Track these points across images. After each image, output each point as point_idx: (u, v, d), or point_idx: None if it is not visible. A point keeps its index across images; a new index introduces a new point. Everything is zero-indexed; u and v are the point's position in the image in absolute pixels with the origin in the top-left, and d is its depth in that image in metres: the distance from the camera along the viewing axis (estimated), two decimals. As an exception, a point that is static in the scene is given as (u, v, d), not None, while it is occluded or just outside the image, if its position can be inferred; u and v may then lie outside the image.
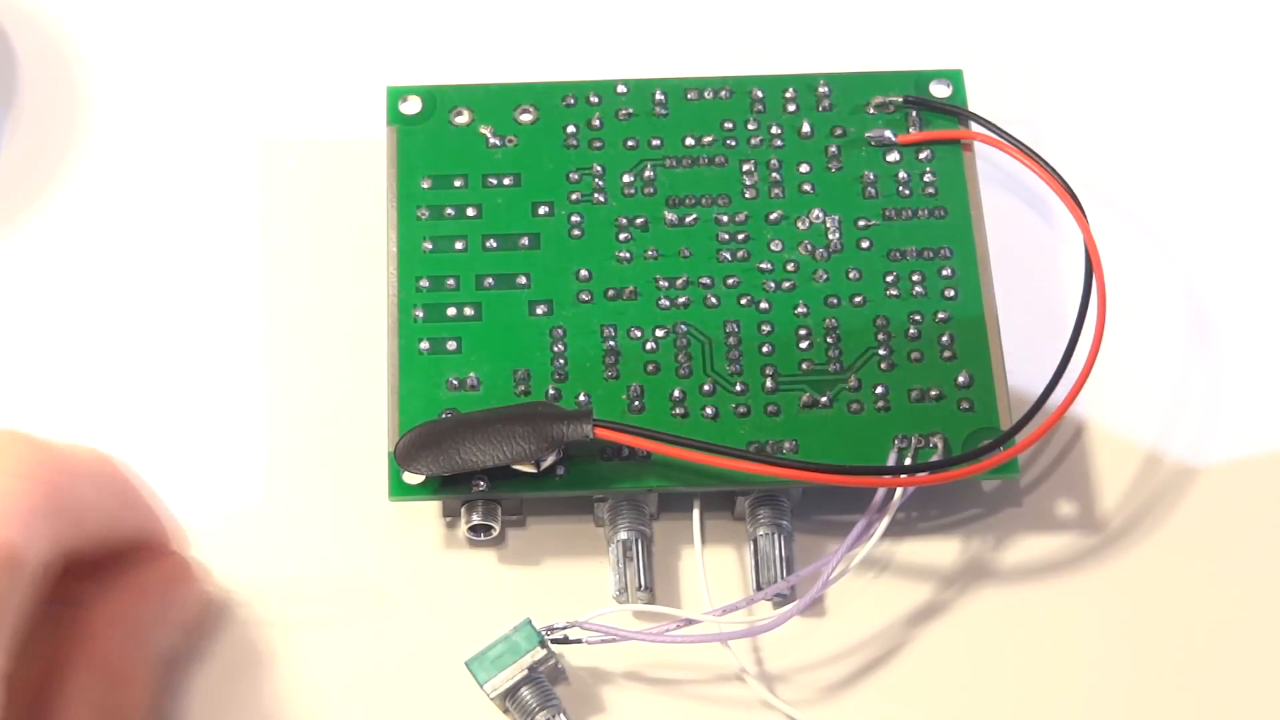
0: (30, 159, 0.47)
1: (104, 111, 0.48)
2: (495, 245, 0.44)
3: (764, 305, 0.44)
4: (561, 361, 0.43)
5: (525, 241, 0.44)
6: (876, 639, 0.42)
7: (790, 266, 0.44)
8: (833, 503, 0.43)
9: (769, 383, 0.43)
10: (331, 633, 0.42)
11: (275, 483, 0.44)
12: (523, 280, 0.44)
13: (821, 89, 0.46)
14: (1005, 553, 0.43)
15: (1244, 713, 0.42)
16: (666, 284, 0.44)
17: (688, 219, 0.45)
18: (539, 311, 0.44)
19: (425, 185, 0.45)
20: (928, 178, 0.45)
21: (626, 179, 0.45)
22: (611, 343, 0.43)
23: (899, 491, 0.41)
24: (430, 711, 0.41)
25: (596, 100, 0.46)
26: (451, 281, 0.44)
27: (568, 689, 0.41)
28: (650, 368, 0.43)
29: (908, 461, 0.42)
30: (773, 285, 0.44)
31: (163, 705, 0.41)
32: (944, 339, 0.44)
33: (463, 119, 0.46)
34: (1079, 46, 0.49)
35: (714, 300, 0.44)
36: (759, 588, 0.42)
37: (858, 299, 0.44)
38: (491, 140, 0.46)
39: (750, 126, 0.46)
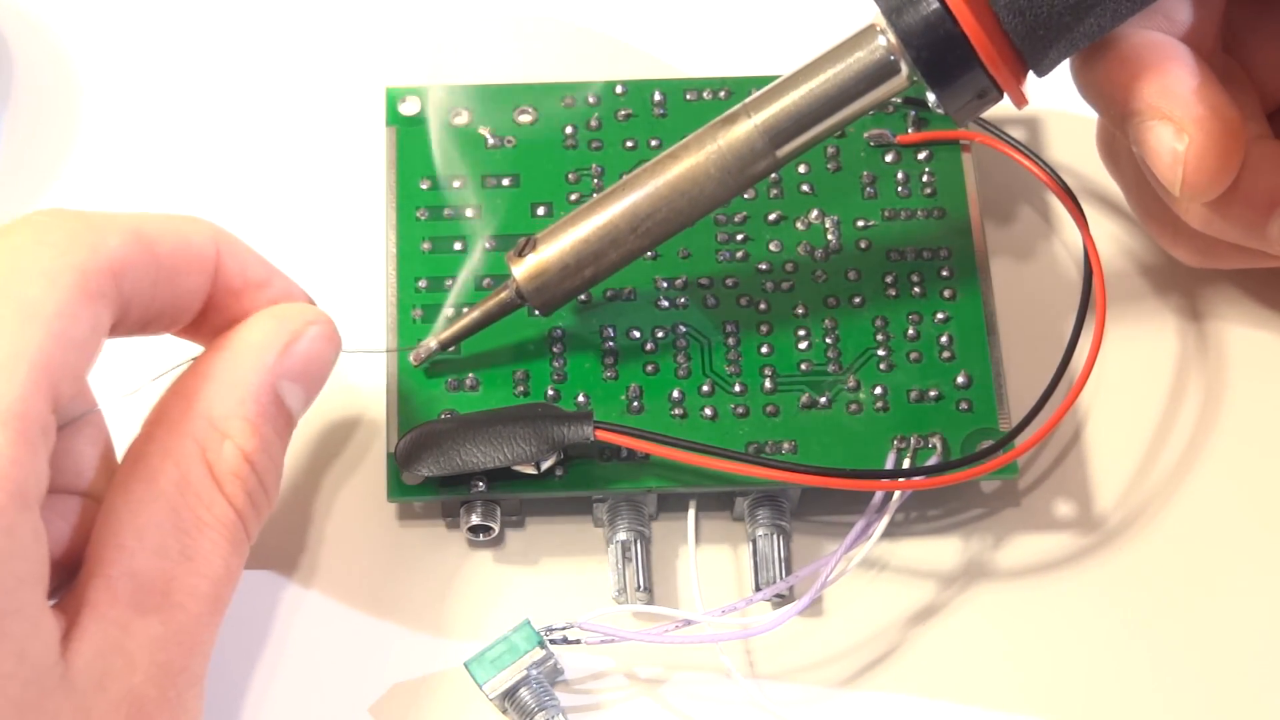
0: (26, 159, 0.47)
1: (100, 112, 0.48)
2: (493, 246, 0.44)
3: (763, 306, 0.44)
4: (560, 362, 0.43)
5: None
6: (875, 639, 0.42)
7: (789, 267, 0.44)
8: (831, 503, 0.43)
9: (768, 383, 0.43)
10: (331, 633, 0.42)
11: (275, 483, 0.44)
12: (522, 281, 0.44)
13: (821, 89, 0.46)
14: (1003, 553, 0.43)
15: (1241, 710, 0.42)
16: (665, 285, 0.44)
17: (686, 220, 0.45)
18: (538, 312, 0.44)
19: (424, 186, 0.45)
20: (926, 178, 0.45)
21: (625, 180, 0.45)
22: (610, 343, 0.43)
23: (897, 492, 0.42)
24: (429, 712, 0.41)
25: (595, 101, 0.46)
26: (450, 282, 0.44)
27: (566, 689, 0.41)
28: (649, 368, 0.43)
29: (907, 462, 0.42)
30: (771, 286, 0.44)
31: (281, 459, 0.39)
32: (943, 339, 0.44)
33: (462, 119, 0.46)
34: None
35: (713, 301, 0.44)
36: (758, 588, 0.42)
37: (856, 299, 0.44)
38: (490, 141, 0.46)
39: (749, 127, 0.46)
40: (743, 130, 0.40)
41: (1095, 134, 0.45)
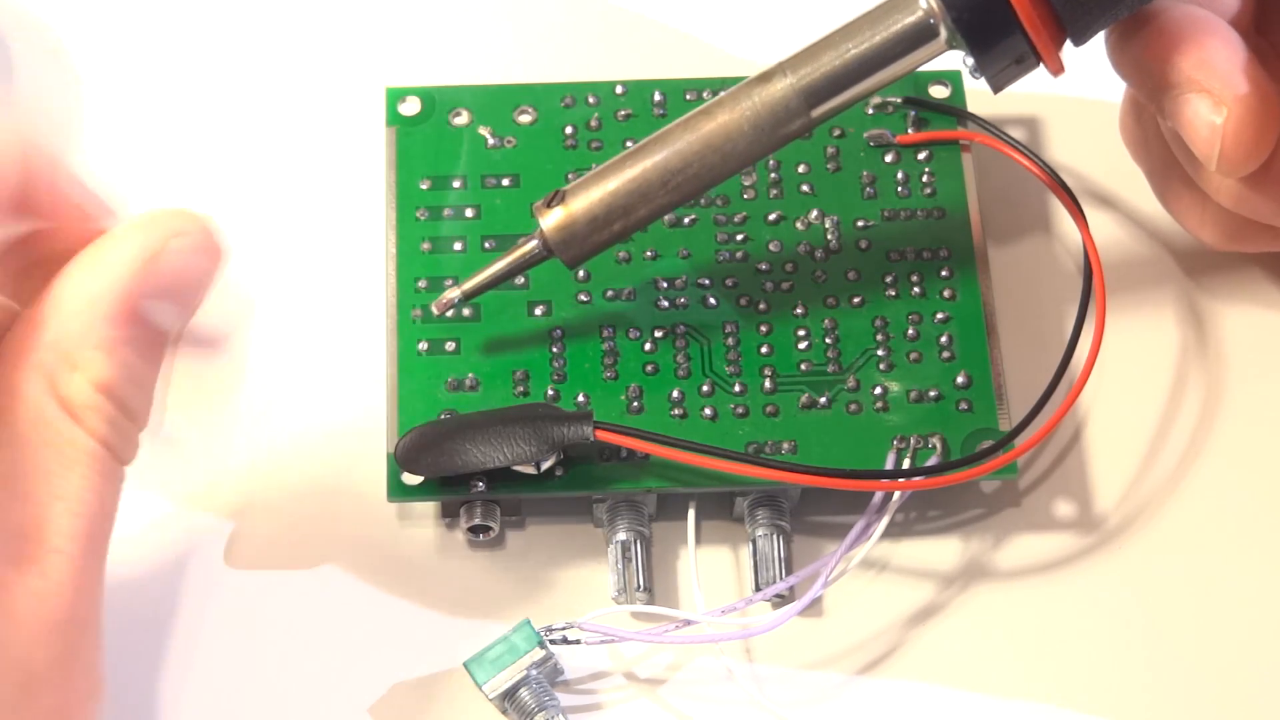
0: (29, 160, 0.47)
1: (100, 112, 0.48)
2: (493, 246, 0.44)
3: (762, 306, 0.44)
4: (560, 362, 0.43)
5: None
6: (875, 639, 0.42)
7: (789, 267, 0.44)
8: (831, 503, 0.43)
9: (768, 383, 0.43)
10: (331, 633, 0.42)
11: (275, 483, 0.44)
12: (521, 281, 0.44)
13: (820, 89, 0.46)
14: (1003, 553, 0.43)
15: (1242, 709, 0.42)
16: (665, 285, 0.44)
17: (686, 219, 0.45)
18: (537, 312, 0.44)
19: (424, 186, 0.45)
20: (926, 178, 0.45)
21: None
22: (610, 343, 0.43)
23: (897, 493, 0.42)
24: (430, 712, 0.41)
25: (595, 101, 0.46)
26: (450, 282, 0.44)
27: (566, 689, 0.41)
28: (649, 368, 0.43)
29: (906, 462, 0.42)
30: (771, 286, 0.44)
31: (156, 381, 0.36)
32: (943, 339, 0.44)
33: (461, 120, 0.46)
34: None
35: (713, 301, 0.44)
36: (758, 588, 0.42)
37: (856, 299, 0.44)
38: (490, 141, 0.46)
39: (749, 127, 0.46)
40: (779, 89, 0.40)
41: (1119, 115, 0.45)
